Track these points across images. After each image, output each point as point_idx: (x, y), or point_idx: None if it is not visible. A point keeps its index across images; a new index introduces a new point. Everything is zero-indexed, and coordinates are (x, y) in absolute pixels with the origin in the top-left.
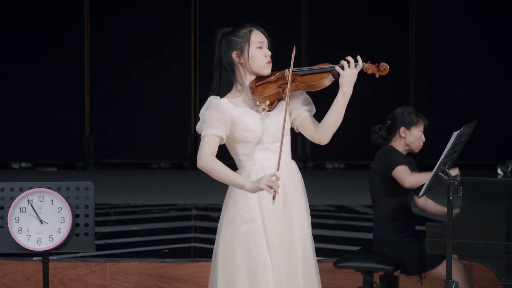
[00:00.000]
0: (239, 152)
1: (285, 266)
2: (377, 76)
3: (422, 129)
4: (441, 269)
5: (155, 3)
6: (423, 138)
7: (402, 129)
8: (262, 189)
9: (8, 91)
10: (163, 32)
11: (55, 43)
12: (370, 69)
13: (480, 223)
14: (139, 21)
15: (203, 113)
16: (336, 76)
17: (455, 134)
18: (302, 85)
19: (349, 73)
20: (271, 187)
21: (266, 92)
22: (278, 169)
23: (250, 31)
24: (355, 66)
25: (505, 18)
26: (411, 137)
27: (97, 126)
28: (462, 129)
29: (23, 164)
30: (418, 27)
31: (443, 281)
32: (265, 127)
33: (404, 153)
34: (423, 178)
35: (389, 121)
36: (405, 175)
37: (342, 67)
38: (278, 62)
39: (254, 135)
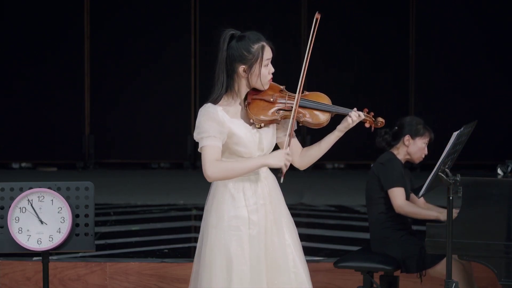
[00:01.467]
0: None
1: (274, 272)
2: (372, 129)
3: (427, 142)
4: (441, 268)
5: (155, 3)
6: (425, 151)
7: (406, 137)
8: (281, 167)
9: (8, 91)
10: (163, 32)
11: (55, 43)
12: (368, 122)
13: (480, 223)
14: (139, 21)
15: (201, 122)
16: (333, 116)
17: (455, 134)
18: (302, 120)
19: (350, 123)
20: (286, 166)
21: (263, 115)
22: (288, 146)
23: (262, 48)
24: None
25: (504, 19)
26: (414, 147)
27: (97, 126)
28: (462, 129)
29: (23, 164)
30: (418, 27)
31: (443, 281)
32: (259, 142)
33: (403, 162)
34: (416, 212)
35: (396, 128)
36: (398, 199)
37: (351, 118)
38: (279, 63)
39: (247, 151)
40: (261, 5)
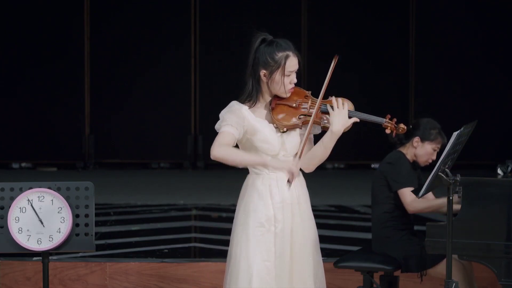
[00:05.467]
0: None
1: (296, 270)
2: (394, 135)
3: (437, 148)
4: (441, 268)
5: (155, 4)
6: (433, 156)
7: (416, 139)
8: (285, 170)
9: (8, 91)
10: (163, 33)
11: (55, 43)
12: (389, 128)
13: (480, 223)
14: (139, 22)
15: (224, 114)
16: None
17: (455, 134)
18: (322, 125)
19: (336, 113)
20: (292, 174)
21: (286, 120)
22: (300, 157)
23: (286, 57)
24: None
25: (504, 20)
26: (422, 150)
27: (97, 126)
28: (462, 129)
29: (23, 164)
30: (418, 28)
31: (443, 281)
32: (283, 143)
33: (411, 161)
34: (429, 206)
35: (411, 126)
36: (408, 199)
37: (331, 107)
38: None
39: (272, 148)
40: (261, 7)
